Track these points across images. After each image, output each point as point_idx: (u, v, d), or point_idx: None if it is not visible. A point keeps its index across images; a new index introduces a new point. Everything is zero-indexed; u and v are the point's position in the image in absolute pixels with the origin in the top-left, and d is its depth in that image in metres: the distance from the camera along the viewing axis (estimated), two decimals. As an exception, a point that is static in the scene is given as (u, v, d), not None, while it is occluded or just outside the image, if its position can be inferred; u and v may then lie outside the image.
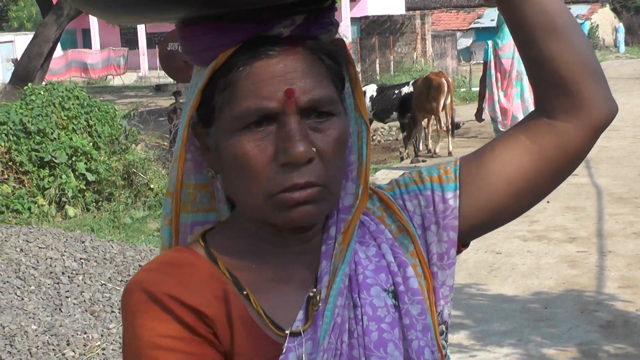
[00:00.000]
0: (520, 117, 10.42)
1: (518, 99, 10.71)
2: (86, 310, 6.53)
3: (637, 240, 8.69)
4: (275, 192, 1.30)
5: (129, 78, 39.18)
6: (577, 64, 1.37)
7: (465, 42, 44.08)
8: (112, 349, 5.76)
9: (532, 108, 10.82)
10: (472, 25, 46.63)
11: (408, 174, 1.51)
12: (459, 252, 1.48)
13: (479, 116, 11.32)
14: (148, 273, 1.35)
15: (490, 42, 10.93)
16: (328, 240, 1.39)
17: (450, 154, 14.58)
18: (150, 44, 42.70)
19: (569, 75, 1.37)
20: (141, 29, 42.92)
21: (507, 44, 10.52)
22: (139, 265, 7.50)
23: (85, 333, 5.93)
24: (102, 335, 5.94)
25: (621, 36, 47.97)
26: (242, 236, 1.40)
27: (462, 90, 25.04)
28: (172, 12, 1.34)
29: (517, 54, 10.17)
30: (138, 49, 43.57)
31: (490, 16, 46.25)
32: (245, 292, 1.35)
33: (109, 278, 7.20)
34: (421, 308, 1.39)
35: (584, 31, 1.42)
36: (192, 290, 1.32)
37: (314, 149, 1.30)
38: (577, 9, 45.97)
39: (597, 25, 48.36)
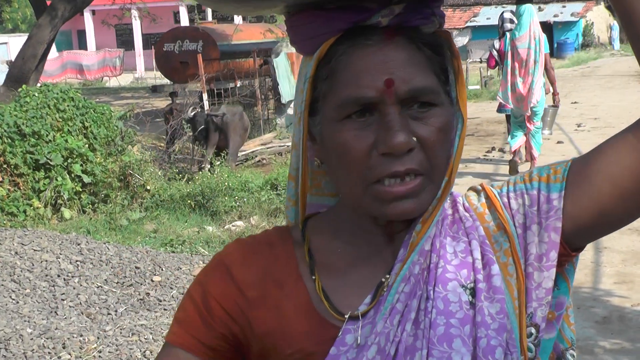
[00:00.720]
0: (533, 102, 11.12)
1: (533, 85, 11.23)
2: (82, 313, 6.51)
3: (632, 236, 8.71)
4: (374, 181, 1.32)
5: (125, 79, 39.12)
6: None
7: (461, 40, 43.97)
8: (109, 352, 5.75)
9: (536, 95, 10.86)
10: (469, 24, 46.56)
11: (522, 173, 1.48)
12: (569, 256, 1.42)
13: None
14: (233, 244, 1.50)
15: (508, 34, 11.53)
16: (411, 230, 1.39)
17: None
18: (146, 45, 42.66)
19: None
20: (137, 30, 42.86)
21: (524, 35, 11.16)
22: (136, 267, 7.50)
23: (81, 336, 5.92)
24: (98, 338, 5.93)
25: (616, 34, 47.99)
26: (339, 220, 1.45)
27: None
28: (275, 2, 1.39)
29: (532, 45, 11.12)
30: (134, 49, 43.53)
31: (486, 15, 46.24)
32: (314, 277, 1.42)
33: (105, 280, 7.19)
34: (500, 307, 1.36)
35: None
36: (249, 268, 1.44)
37: (415, 139, 1.31)
38: (572, 7, 45.96)
39: (592, 23, 48.34)
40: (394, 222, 1.39)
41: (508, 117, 12.75)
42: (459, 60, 1.41)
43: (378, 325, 1.33)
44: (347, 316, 1.37)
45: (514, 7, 11.69)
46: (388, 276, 1.38)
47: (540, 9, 45.00)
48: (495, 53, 12.80)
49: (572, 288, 1.48)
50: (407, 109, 1.32)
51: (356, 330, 1.36)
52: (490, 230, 1.43)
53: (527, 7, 11.22)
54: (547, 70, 11.65)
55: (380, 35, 1.33)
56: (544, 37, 11.40)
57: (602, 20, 50.38)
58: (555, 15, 45.09)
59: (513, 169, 11.37)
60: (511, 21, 11.99)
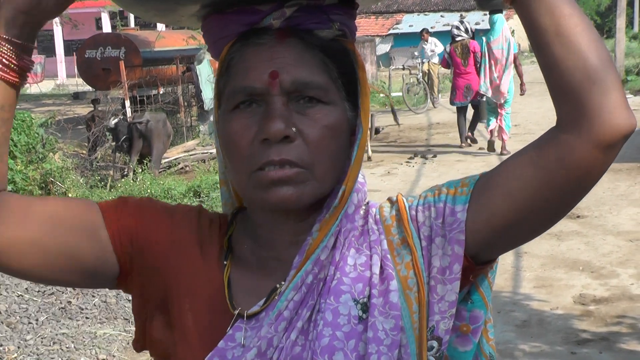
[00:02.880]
0: (506, 94, 13.96)
1: (505, 79, 13.94)
2: (2, 322, 6.41)
3: (551, 240, 8.85)
4: (254, 169, 1.34)
5: (47, 86, 38.50)
6: (580, 71, 1.27)
7: (384, 47, 44.32)
8: (29, 361, 5.68)
9: (507, 86, 13.48)
10: (391, 31, 46.89)
11: (435, 186, 1.47)
12: (473, 269, 1.41)
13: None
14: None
15: (484, 38, 14.12)
16: (309, 236, 1.41)
17: (369, 158, 14.66)
18: (68, 52, 42.07)
19: (571, 82, 1.28)
20: (58, 36, 42.24)
21: (497, 39, 13.86)
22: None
23: (1, 345, 5.84)
24: (18, 347, 5.86)
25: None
26: (248, 217, 1.49)
27: (381, 95, 25.16)
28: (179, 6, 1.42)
29: (504, 46, 13.84)
30: (55, 56, 42.88)
31: (408, 22, 46.66)
32: (225, 263, 1.45)
33: (26, 289, 7.09)
34: (395, 324, 1.36)
35: (598, 36, 1.31)
36: (186, 215, 1.51)
37: (294, 129, 1.33)
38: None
39: (513, 31, 49.00)
40: (281, 216, 1.41)
41: (459, 109, 15.29)
42: (363, 70, 1.45)
43: (262, 330, 1.35)
44: (236, 312, 1.40)
45: (458, 17, 13.81)
46: (283, 282, 1.39)
47: (462, 17, 45.61)
48: (447, 55, 15.47)
49: (489, 303, 1.47)
50: (294, 102, 1.35)
51: (246, 330, 1.38)
52: (394, 243, 1.43)
53: (499, 16, 13.82)
54: (516, 66, 14.27)
55: (272, 36, 1.37)
56: (513, 40, 14.12)
57: (522, 28, 51.17)
58: (476, 23, 45.43)
59: (491, 147, 14.21)
60: (457, 28, 15.15)
